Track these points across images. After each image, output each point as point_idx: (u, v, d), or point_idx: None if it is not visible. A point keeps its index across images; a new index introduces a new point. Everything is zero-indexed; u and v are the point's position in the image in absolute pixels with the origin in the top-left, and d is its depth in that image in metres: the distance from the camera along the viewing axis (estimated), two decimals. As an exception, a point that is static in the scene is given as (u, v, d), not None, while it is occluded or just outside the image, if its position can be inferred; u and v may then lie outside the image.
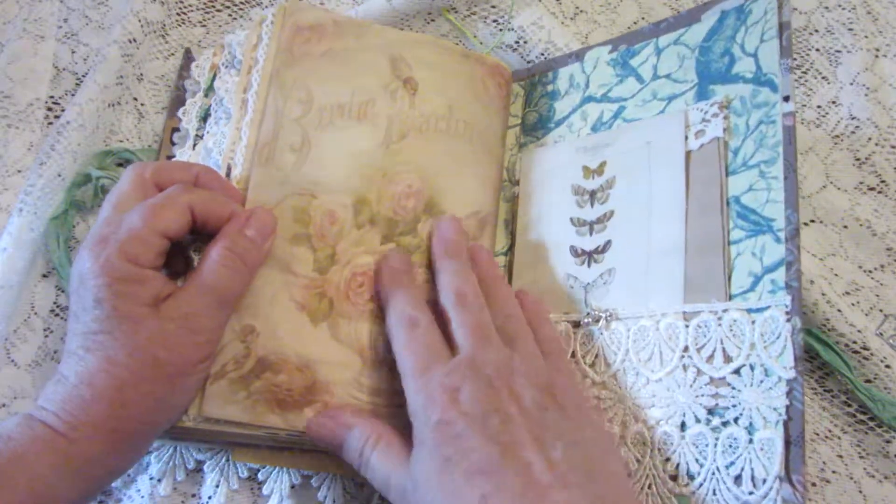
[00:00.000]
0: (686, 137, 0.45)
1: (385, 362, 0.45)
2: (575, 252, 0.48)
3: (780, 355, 0.38)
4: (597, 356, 0.44)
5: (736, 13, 0.46)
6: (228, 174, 0.47)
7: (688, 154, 0.45)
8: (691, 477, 0.39)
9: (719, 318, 0.40)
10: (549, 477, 0.35)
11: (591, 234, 0.47)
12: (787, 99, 0.42)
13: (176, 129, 0.55)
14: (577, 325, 0.46)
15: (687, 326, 0.41)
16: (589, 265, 0.47)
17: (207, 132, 0.51)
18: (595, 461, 0.37)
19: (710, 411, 0.39)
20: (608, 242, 0.46)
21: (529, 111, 0.54)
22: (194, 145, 0.52)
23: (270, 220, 0.44)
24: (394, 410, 0.44)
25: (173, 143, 0.55)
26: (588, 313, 0.45)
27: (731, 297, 0.41)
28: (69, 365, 0.39)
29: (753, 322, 0.39)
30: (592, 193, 0.48)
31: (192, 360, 0.41)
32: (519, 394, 0.38)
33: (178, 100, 0.56)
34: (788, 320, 0.38)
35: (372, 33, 0.50)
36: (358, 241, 0.46)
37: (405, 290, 0.44)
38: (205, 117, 0.53)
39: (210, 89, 0.54)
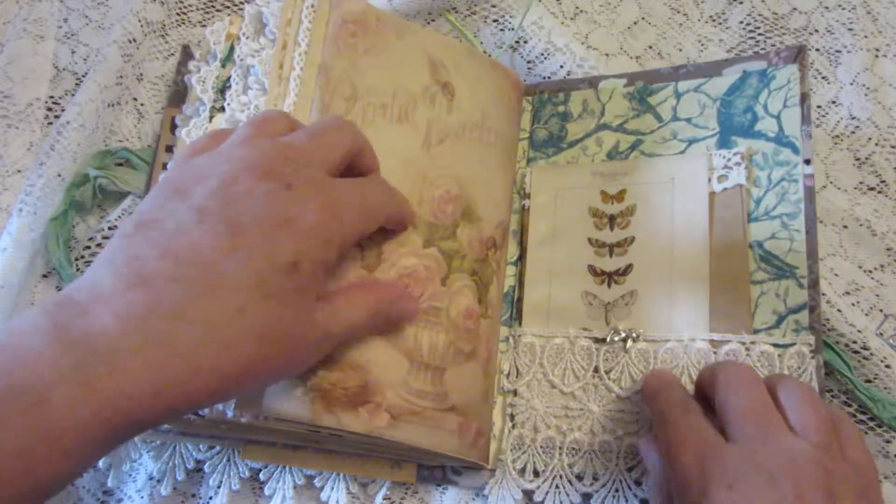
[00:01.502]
0: (709, 179, 0.48)
1: (431, 365, 0.45)
2: (594, 271, 0.49)
3: None
4: (622, 373, 0.46)
5: (759, 75, 0.49)
6: None
7: (711, 195, 0.48)
8: None
9: (748, 349, 0.44)
10: None
11: (610, 255, 0.49)
12: (808, 162, 0.46)
13: (176, 117, 0.55)
14: (597, 340, 0.47)
15: (716, 353, 0.45)
16: (609, 285, 0.48)
17: (228, 104, 0.49)
18: None
19: None
20: (630, 266, 0.48)
21: (539, 127, 0.54)
22: (211, 117, 0.51)
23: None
24: (439, 414, 0.44)
25: (174, 131, 0.54)
26: (614, 331, 0.47)
27: (755, 331, 0.44)
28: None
29: (780, 356, 0.43)
30: (612, 218, 0.50)
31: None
32: (808, 501, 0.32)
33: (178, 94, 0.56)
34: (813, 357, 0.43)
35: (411, 33, 0.50)
36: (402, 241, 0.46)
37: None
38: (222, 89, 0.51)
39: (228, 59, 0.52)
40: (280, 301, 0.32)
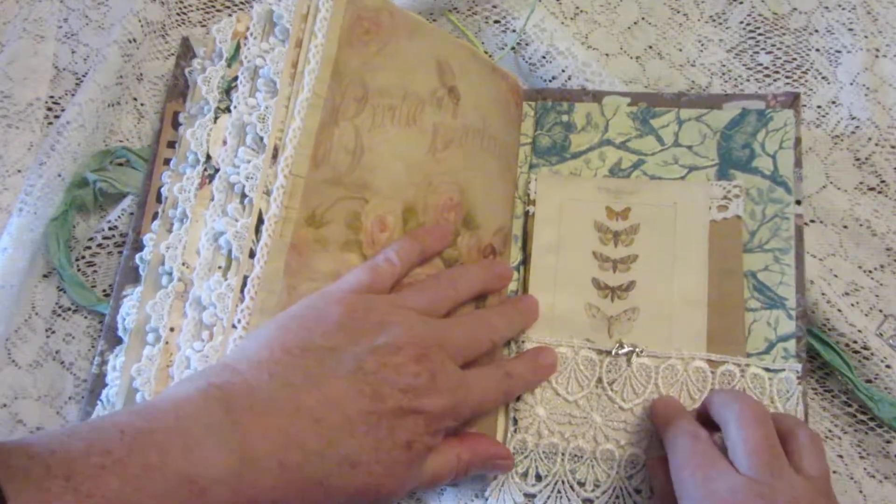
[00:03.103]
0: (710, 208, 0.50)
1: None
2: (598, 284, 0.50)
3: (793, 411, 0.45)
4: (624, 385, 0.47)
5: (757, 115, 0.51)
6: (275, 155, 0.44)
7: (711, 223, 0.49)
8: None
9: (742, 371, 0.46)
10: None
11: (614, 270, 0.50)
12: (798, 202, 0.49)
13: (177, 113, 0.54)
14: (600, 352, 0.48)
15: (713, 373, 0.47)
16: (612, 300, 0.49)
17: (235, 106, 0.48)
18: None
19: None
20: (632, 282, 0.49)
21: (541, 134, 0.54)
22: (216, 118, 0.50)
23: None
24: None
25: (175, 128, 0.54)
26: (620, 344, 0.48)
27: (747, 355, 0.47)
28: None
29: (770, 379, 0.46)
30: (616, 234, 0.51)
31: None
32: None
33: (178, 88, 0.56)
34: (799, 384, 0.45)
35: (422, 33, 0.49)
36: None
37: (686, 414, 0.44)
38: (227, 89, 0.50)
39: (234, 59, 0.50)
40: (387, 468, 0.38)
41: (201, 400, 0.35)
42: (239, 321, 0.42)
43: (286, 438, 0.35)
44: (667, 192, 0.51)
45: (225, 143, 0.48)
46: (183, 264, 0.47)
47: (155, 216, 0.51)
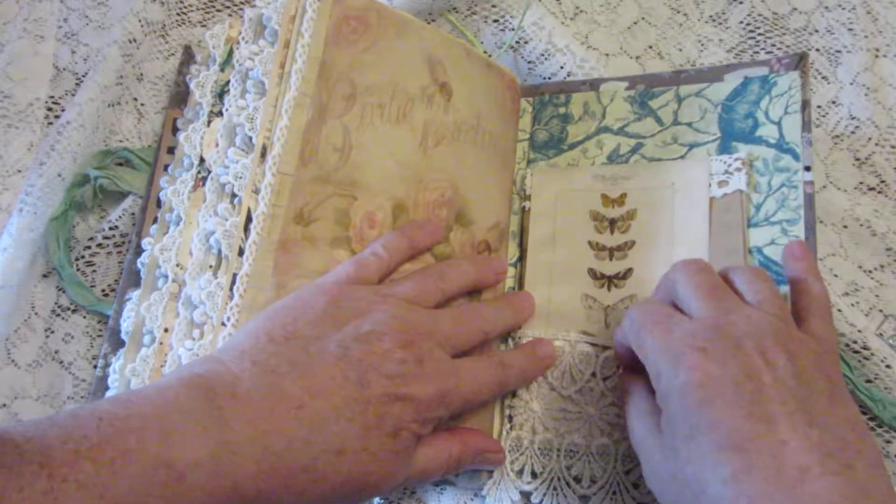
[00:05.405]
0: (710, 185, 0.48)
1: None
2: (594, 274, 0.49)
3: None
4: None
5: (760, 82, 0.49)
6: (264, 154, 0.44)
7: (711, 200, 0.48)
8: None
9: None
10: (807, 460, 0.32)
11: (610, 259, 0.49)
12: (808, 169, 0.46)
13: (177, 119, 0.55)
14: (596, 346, 0.47)
15: None
16: (609, 289, 0.48)
17: (227, 108, 0.48)
18: (852, 446, 0.33)
19: None
20: (629, 270, 0.48)
21: (539, 129, 0.54)
22: (209, 122, 0.50)
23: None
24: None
25: (175, 133, 0.54)
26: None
27: None
28: None
29: None
30: (612, 221, 0.50)
31: None
32: (772, 360, 0.35)
33: (179, 95, 0.56)
34: None
35: (412, 31, 0.49)
36: None
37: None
38: (220, 93, 0.50)
39: (226, 63, 0.51)
40: (374, 456, 0.37)
41: (182, 388, 0.35)
42: (228, 319, 0.42)
43: (268, 424, 0.35)
44: (664, 172, 0.50)
45: (217, 145, 0.48)
46: (177, 265, 0.47)
47: (155, 220, 0.51)
